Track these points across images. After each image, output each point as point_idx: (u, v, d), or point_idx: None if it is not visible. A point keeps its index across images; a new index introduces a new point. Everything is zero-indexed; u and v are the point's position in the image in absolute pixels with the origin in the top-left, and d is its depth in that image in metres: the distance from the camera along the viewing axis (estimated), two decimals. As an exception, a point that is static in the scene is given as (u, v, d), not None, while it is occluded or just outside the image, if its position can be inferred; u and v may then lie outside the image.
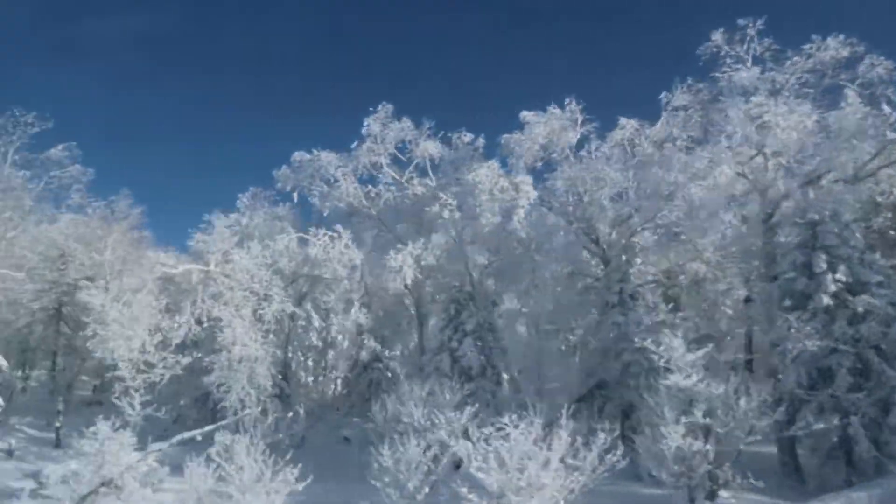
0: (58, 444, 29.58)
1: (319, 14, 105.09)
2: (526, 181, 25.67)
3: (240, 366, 23.74)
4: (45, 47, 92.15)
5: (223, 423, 20.84)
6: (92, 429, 20.27)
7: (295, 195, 29.47)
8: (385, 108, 28.16)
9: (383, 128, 28.21)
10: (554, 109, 31.34)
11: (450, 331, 27.60)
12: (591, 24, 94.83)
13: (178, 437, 20.93)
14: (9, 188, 31.37)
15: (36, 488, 23.09)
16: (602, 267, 29.05)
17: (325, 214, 29.28)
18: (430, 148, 28.95)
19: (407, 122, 28.27)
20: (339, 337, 27.10)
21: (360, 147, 29.28)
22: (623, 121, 31.53)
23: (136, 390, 21.66)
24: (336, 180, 28.80)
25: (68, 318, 38.82)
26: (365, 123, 28.14)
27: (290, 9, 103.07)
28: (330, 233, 24.99)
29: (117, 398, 21.59)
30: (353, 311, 25.13)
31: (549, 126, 29.75)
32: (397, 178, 29.04)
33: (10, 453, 26.91)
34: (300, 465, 16.59)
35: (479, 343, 26.87)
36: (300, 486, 16.65)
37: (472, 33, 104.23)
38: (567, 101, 31.61)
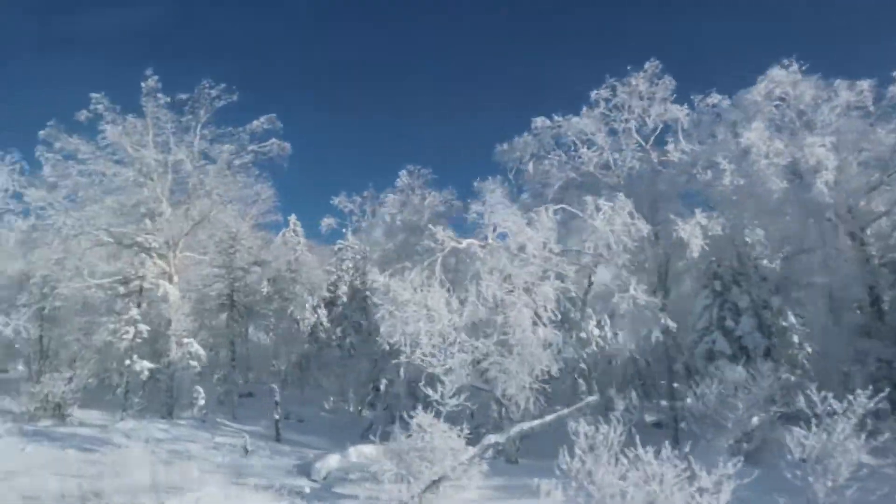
0: (278, 437, 27.59)
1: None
2: (816, 142, 23.18)
3: (521, 351, 21.50)
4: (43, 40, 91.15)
5: (565, 411, 18.63)
6: (415, 420, 18.25)
7: (529, 166, 27.18)
8: (653, 66, 25.74)
9: (649, 87, 25.74)
10: (778, 70, 29.06)
11: (716, 308, 25.35)
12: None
13: (517, 429, 18.73)
14: (208, 162, 29.17)
15: (317, 487, 21.18)
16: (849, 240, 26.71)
17: (555, 186, 27.03)
18: (675, 111, 26.55)
19: (671, 81, 25.81)
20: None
21: (590, 113, 26.91)
22: (840, 82, 29.13)
23: (443, 377, 19.43)
24: (577, 147, 26.54)
25: (239, 305, 36.90)
26: (632, 83, 25.66)
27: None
28: (609, 203, 22.67)
29: (425, 387, 19.38)
30: (630, 287, 22.82)
31: (797, 87, 27.36)
32: (643, 143, 26.66)
33: (245, 450, 24.86)
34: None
35: (757, 321, 24.64)
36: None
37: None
38: (787, 61, 29.24)
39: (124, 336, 27.88)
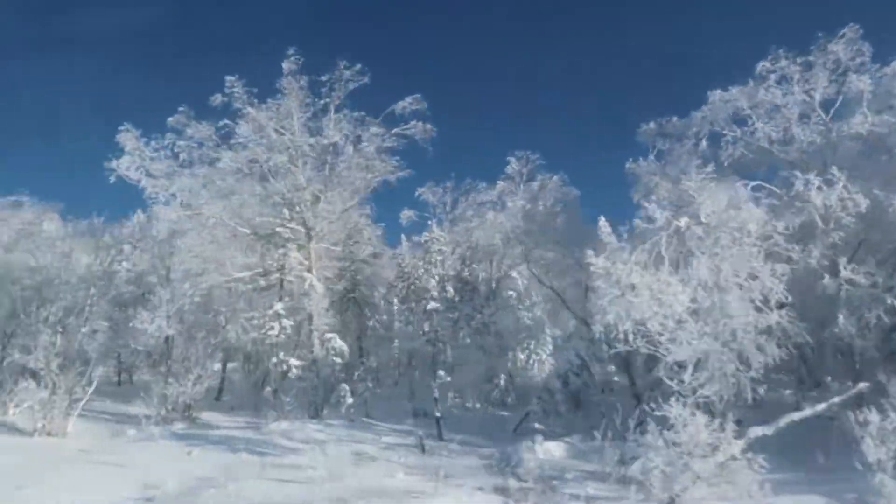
0: (440, 435, 26.08)
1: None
2: None
3: (741, 337, 19.96)
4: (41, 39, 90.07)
5: (836, 399, 17.18)
6: (676, 412, 16.80)
7: (703, 142, 25.69)
8: (852, 30, 24.00)
9: (846, 53, 24.08)
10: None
11: (916, 288, 23.83)
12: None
13: (786, 419, 17.28)
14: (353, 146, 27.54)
15: (531, 487, 19.63)
16: None
17: (725, 164, 25.52)
18: (856, 80, 24.88)
19: (868, 48, 24.00)
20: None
21: (759, 86, 25.37)
22: None
23: (685, 365, 17.97)
24: (752, 121, 25.03)
25: (360, 300, 35.41)
26: (829, 49, 23.89)
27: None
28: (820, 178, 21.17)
29: (673, 379, 17.89)
30: (841, 267, 21.34)
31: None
32: (824, 116, 25.08)
33: (422, 448, 23.40)
34: None
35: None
36: None
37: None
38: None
39: (269, 332, 26.35)
